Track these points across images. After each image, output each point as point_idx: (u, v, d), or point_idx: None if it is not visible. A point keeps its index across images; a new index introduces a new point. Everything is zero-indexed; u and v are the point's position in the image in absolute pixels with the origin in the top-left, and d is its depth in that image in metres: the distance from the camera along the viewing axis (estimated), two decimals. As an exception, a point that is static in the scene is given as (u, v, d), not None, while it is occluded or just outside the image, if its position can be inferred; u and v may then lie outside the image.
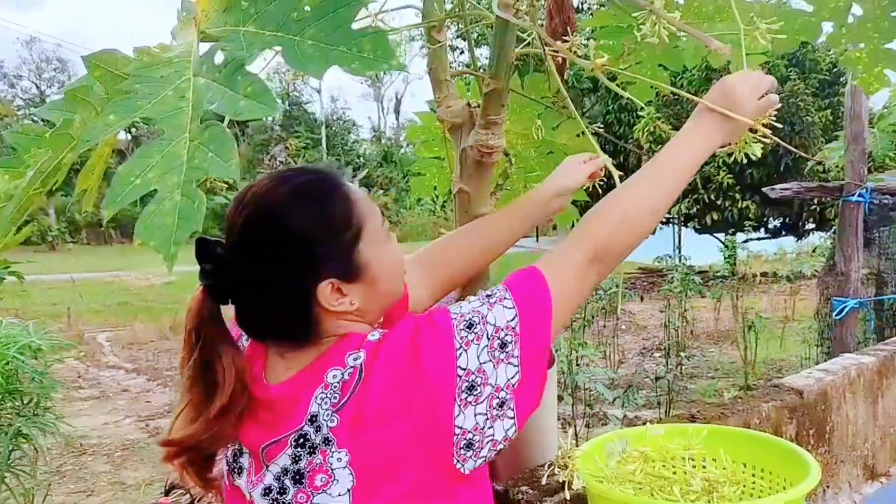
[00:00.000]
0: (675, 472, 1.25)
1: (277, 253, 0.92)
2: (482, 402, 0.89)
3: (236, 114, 0.68)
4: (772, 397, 2.12)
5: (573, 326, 6.27)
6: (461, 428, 0.88)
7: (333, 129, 38.02)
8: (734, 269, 9.70)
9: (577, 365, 4.73)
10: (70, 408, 6.02)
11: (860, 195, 4.33)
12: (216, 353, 0.93)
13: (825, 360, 4.04)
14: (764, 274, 11.02)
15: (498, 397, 0.90)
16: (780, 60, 12.08)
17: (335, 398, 0.91)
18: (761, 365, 7.04)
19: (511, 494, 1.50)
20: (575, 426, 4.54)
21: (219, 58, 0.74)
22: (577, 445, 1.17)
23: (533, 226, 1.43)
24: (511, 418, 0.91)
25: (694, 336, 8.71)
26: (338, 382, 0.92)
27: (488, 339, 0.91)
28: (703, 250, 12.81)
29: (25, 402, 3.79)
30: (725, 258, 10.06)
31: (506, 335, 0.92)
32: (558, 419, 2.13)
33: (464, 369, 0.89)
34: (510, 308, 0.93)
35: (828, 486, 2.34)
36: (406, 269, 1.21)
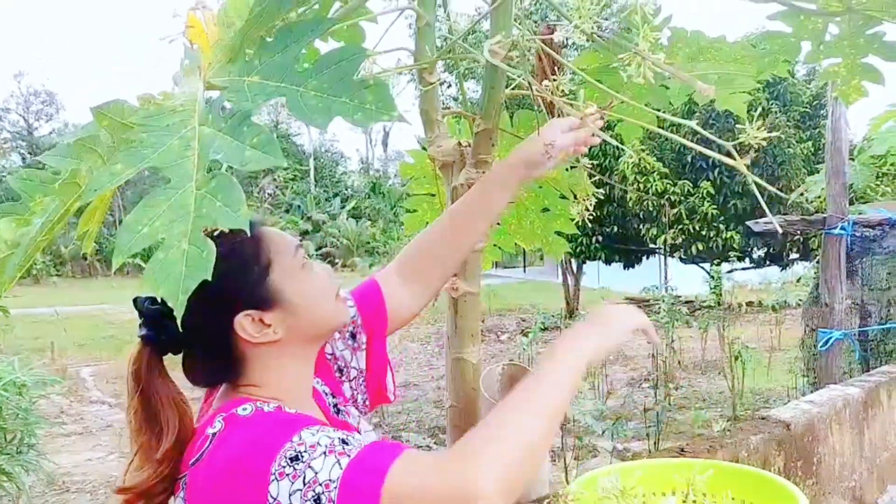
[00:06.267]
0: (667, 507, 1.26)
1: (194, 296, 0.91)
2: None
3: (242, 163, 0.70)
4: (760, 430, 2.14)
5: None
6: None
7: (321, 160, 38.23)
8: (720, 299, 9.79)
9: (567, 397, 4.73)
10: (53, 444, 5.91)
11: (842, 228, 4.40)
12: (158, 399, 0.96)
13: (811, 390, 4.07)
14: (749, 303, 11.11)
15: None
16: (762, 94, 12.31)
17: (194, 452, 0.91)
18: (749, 395, 7.06)
19: (504, 531, 1.49)
20: (564, 458, 4.52)
21: (224, 108, 0.76)
22: (567, 477, 1.17)
23: (509, 197, 1.31)
24: None
25: (682, 366, 8.73)
26: (201, 439, 0.92)
27: (304, 483, 0.82)
28: (689, 280, 12.92)
29: (9, 439, 3.73)
30: (711, 288, 10.15)
31: (322, 492, 0.82)
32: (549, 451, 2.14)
33: (274, 498, 0.82)
34: (340, 468, 0.83)
35: (817, 518, 2.35)
36: (386, 278, 1.27)
